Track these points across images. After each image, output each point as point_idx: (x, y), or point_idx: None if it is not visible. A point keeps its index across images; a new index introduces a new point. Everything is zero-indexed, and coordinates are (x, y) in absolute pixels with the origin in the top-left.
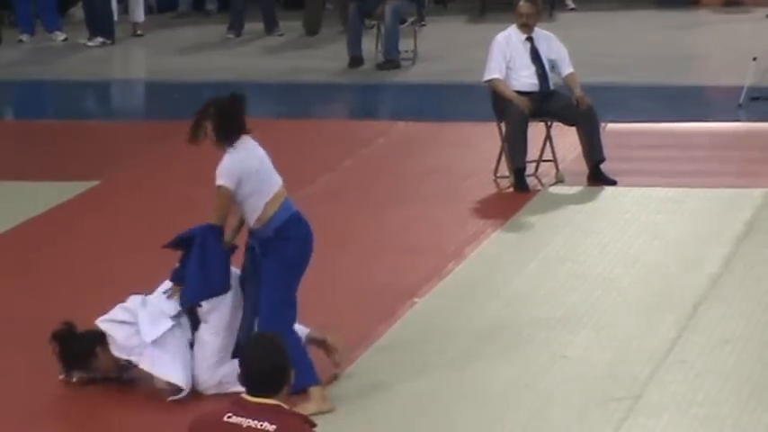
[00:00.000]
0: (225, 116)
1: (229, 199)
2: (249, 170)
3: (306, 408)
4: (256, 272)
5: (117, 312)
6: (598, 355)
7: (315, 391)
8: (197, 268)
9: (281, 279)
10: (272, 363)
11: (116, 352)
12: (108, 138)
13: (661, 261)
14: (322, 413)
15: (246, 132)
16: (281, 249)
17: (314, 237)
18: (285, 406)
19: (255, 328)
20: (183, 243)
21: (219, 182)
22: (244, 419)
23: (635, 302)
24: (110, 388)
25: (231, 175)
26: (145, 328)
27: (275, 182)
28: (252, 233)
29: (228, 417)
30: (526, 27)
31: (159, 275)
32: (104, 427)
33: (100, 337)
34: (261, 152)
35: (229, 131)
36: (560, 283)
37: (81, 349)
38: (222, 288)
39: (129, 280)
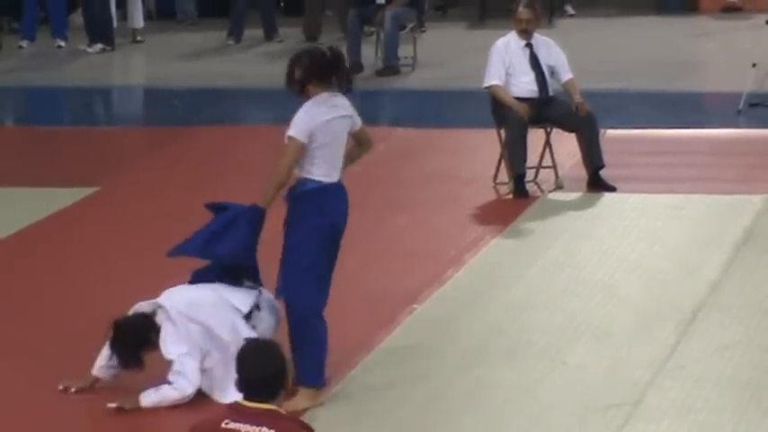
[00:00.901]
0: (315, 66)
1: (298, 151)
2: (321, 123)
3: (297, 402)
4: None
5: (204, 310)
6: (597, 361)
7: (310, 390)
8: (210, 230)
9: (303, 253)
10: (269, 369)
11: (169, 347)
12: (108, 144)
13: (660, 267)
14: (312, 407)
15: (339, 91)
16: (305, 220)
17: (345, 214)
18: (282, 411)
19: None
20: (219, 209)
21: (290, 132)
22: (242, 425)
23: (634, 308)
24: (108, 393)
25: (302, 128)
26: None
27: (336, 160)
28: (289, 190)
29: (227, 423)
30: (525, 33)
31: (160, 280)
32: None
33: (152, 324)
34: (342, 114)
35: (308, 82)
36: (560, 289)
37: (138, 338)
38: (215, 257)
39: (129, 285)
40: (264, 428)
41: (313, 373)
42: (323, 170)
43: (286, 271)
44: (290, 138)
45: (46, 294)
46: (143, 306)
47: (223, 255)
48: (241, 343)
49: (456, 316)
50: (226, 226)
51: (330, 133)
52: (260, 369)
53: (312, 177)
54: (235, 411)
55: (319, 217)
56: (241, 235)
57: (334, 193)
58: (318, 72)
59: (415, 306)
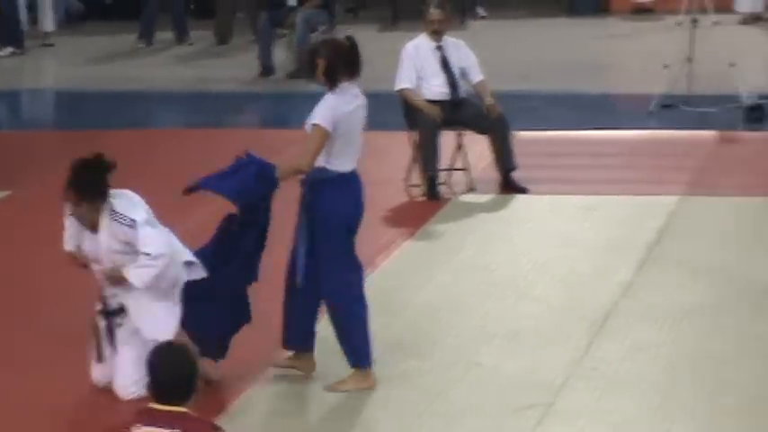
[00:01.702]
0: (335, 57)
1: (324, 139)
2: (343, 114)
3: (345, 384)
4: (303, 224)
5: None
6: (511, 363)
7: (360, 370)
8: (224, 171)
9: (331, 242)
10: (179, 372)
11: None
12: (19, 147)
13: (573, 269)
14: (360, 390)
15: (355, 79)
16: (330, 208)
17: (363, 203)
18: (193, 413)
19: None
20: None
21: (315, 120)
22: (154, 428)
23: (547, 310)
24: (19, 399)
25: (327, 117)
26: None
27: (355, 149)
28: (306, 178)
29: (138, 427)
30: (437, 34)
31: (73, 281)
32: None
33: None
34: (360, 103)
35: (335, 73)
36: (472, 291)
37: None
38: (224, 191)
39: (41, 287)
40: (177, 431)
41: (357, 355)
42: (342, 160)
43: (320, 260)
44: (317, 126)
45: None
46: None
47: (231, 188)
48: (178, 265)
49: (370, 318)
50: (237, 169)
51: (351, 123)
52: (172, 371)
53: (332, 168)
54: (146, 415)
55: (342, 206)
56: (247, 178)
57: (354, 183)
58: (344, 62)
59: None
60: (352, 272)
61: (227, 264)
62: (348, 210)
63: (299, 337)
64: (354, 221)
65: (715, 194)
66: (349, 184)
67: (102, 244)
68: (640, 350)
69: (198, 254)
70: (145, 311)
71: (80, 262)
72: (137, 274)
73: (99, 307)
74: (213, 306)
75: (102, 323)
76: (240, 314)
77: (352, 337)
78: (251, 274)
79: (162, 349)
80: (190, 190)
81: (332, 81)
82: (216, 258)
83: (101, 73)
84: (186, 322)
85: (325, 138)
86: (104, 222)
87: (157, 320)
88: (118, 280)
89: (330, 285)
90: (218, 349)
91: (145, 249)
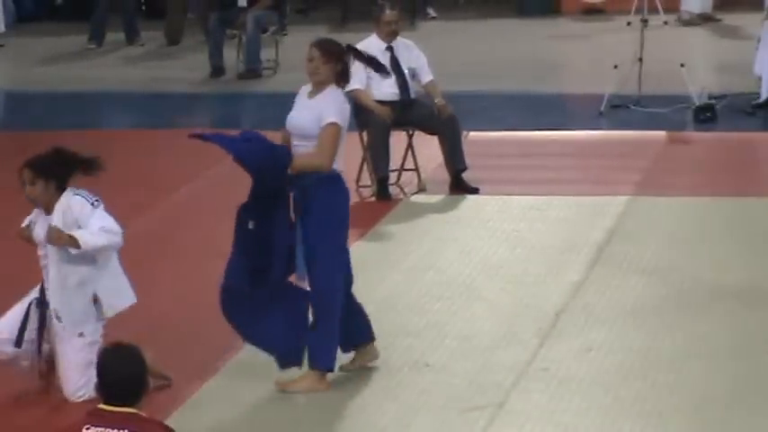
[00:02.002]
0: (347, 63)
1: (339, 138)
2: (348, 113)
3: (302, 384)
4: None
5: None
6: (461, 364)
7: (318, 372)
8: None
9: (331, 237)
10: (129, 372)
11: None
12: None
13: (523, 269)
14: (314, 391)
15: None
16: (328, 206)
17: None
18: (143, 414)
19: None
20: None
21: (333, 119)
22: (104, 429)
23: (497, 310)
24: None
25: (343, 116)
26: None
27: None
28: (295, 177)
29: (87, 428)
30: (394, 34)
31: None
32: None
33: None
34: None
35: (347, 75)
36: (423, 291)
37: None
38: (235, 150)
39: None
40: (127, 431)
41: (327, 357)
42: (340, 158)
43: (315, 257)
44: (335, 124)
45: None
46: None
47: (239, 149)
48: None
49: None
50: (249, 138)
51: (347, 122)
52: (121, 372)
53: (333, 165)
54: (95, 416)
55: (340, 204)
56: (262, 146)
57: (343, 180)
58: (346, 68)
59: None
60: (342, 272)
61: (271, 269)
62: (345, 208)
63: (354, 335)
64: (349, 218)
65: (665, 195)
66: (343, 182)
67: (54, 218)
68: (590, 350)
69: (235, 270)
70: (67, 303)
71: (25, 235)
72: (87, 236)
73: (36, 295)
74: (282, 315)
75: (35, 311)
76: (301, 307)
77: (322, 337)
78: (291, 264)
79: (111, 350)
80: (197, 136)
81: (343, 81)
82: (256, 265)
83: (51, 74)
84: (261, 341)
85: (340, 136)
86: (63, 199)
87: (77, 313)
88: (64, 240)
89: (321, 284)
90: (299, 356)
91: (101, 223)
